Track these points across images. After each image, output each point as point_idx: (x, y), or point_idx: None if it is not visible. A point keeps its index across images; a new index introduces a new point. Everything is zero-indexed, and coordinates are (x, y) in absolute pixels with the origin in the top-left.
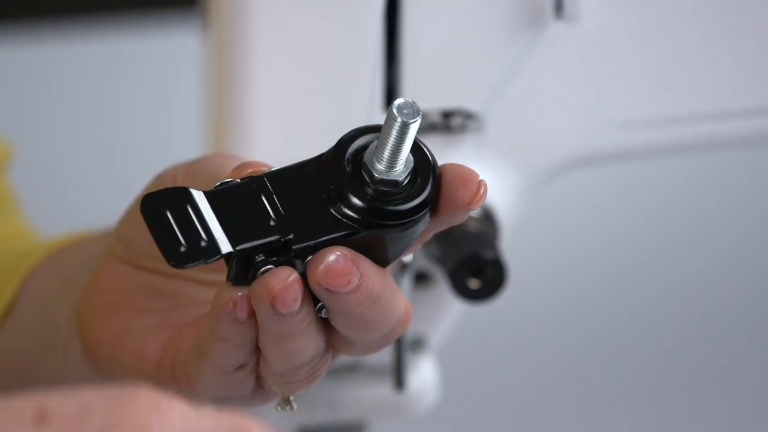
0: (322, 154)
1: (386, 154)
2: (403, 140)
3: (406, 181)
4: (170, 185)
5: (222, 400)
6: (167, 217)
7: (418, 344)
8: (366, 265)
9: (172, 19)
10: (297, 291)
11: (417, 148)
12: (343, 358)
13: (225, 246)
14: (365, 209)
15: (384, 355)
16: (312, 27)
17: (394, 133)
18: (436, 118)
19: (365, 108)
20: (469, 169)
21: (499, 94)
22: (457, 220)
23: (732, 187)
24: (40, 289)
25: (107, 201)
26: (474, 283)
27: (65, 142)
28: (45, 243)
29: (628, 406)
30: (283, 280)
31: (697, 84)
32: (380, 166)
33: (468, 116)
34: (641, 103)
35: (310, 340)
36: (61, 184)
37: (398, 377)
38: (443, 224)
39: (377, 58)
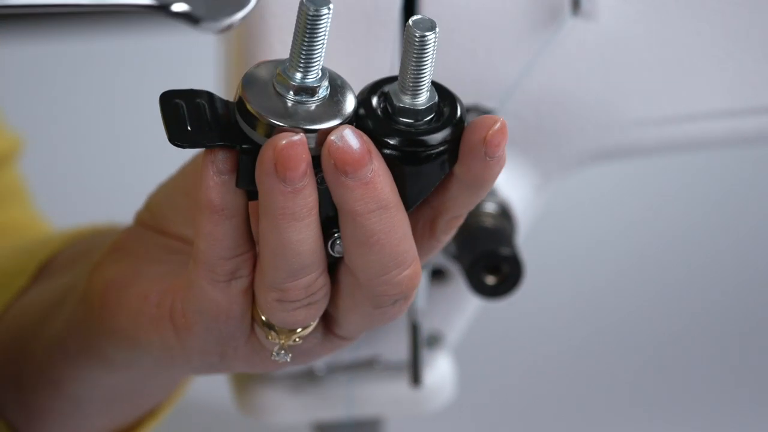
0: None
1: (410, 75)
2: (424, 56)
3: (431, 118)
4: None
5: (216, 355)
6: (181, 105)
7: (434, 340)
8: (381, 164)
9: None
10: (303, 151)
11: (446, 94)
12: (360, 353)
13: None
14: (384, 130)
15: (400, 352)
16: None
17: (415, 50)
18: None
19: None
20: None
21: (515, 91)
22: (477, 168)
23: (752, 184)
24: (55, 275)
25: (117, 196)
26: (490, 280)
27: (79, 136)
28: (62, 233)
29: (653, 402)
30: (288, 137)
31: (714, 81)
32: (405, 97)
33: (484, 112)
34: (657, 99)
35: (311, 232)
36: (73, 178)
37: (414, 373)
38: (466, 181)
39: (395, 53)
